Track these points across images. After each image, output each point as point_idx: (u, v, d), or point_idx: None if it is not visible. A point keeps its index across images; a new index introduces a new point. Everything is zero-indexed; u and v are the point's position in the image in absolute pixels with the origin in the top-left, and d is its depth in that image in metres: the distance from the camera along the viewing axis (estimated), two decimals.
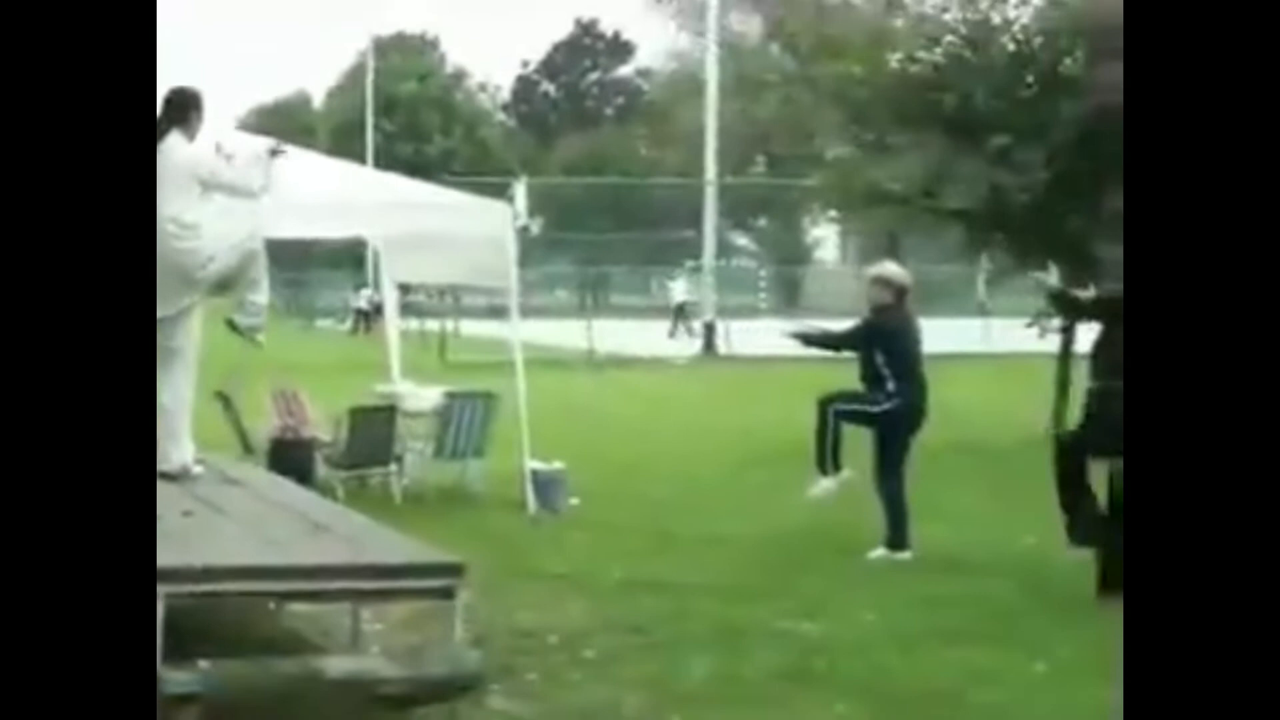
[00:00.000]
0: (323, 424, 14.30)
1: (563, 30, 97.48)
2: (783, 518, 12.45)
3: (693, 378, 32.73)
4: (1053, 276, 11.15)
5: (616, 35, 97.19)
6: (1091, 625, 8.91)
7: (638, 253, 74.52)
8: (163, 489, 6.37)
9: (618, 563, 10.88)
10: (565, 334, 36.74)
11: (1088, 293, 10.25)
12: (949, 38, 18.80)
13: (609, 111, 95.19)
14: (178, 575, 5.92)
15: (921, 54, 18.66)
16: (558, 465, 13.60)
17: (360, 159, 46.74)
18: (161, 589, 5.29)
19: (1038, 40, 18.43)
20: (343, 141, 61.27)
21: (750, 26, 74.77)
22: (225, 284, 9.27)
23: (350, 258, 57.49)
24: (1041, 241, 18.35)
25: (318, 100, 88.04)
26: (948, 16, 19.23)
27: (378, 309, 39.79)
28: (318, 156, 16.36)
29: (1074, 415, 17.85)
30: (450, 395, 14.44)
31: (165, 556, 4.77)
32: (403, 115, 76.43)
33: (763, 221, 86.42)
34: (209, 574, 6.40)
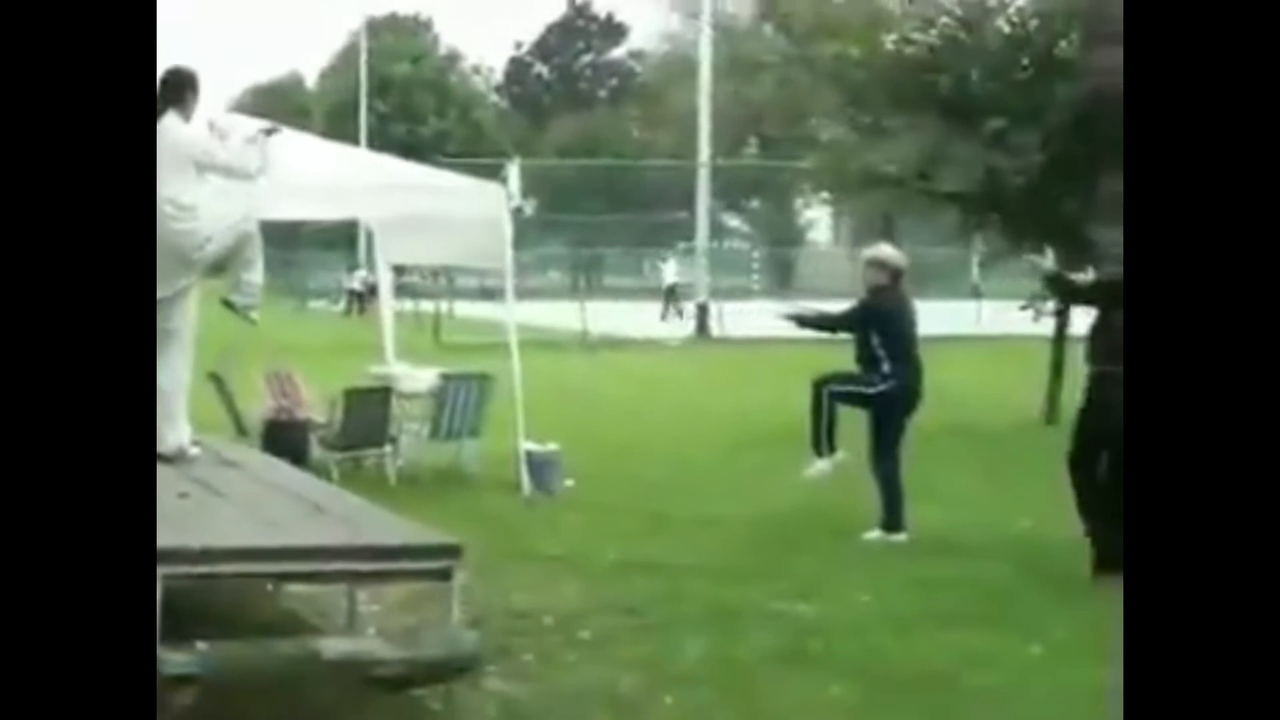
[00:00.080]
0: (317, 405, 14.29)
1: (556, 12, 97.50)
2: (777, 499, 12.46)
3: (686, 359, 32.74)
4: (1048, 260, 11.12)
5: (610, 17, 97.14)
6: (1087, 607, 8.93)
7: (631, 234, 74.52)
8: (159, 471, 6.36)
9: (612, 544, 10.88)
10: (558, 315, 36.73)
11: (1085, 276, 10.27)
12: (944, 19, 18.78)
13: (602, 93, 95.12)
14: (175, 557, 5.91)
15: (917, 36, 18.64)
16: (552, 447, 13.61)
17: (354, 140, 46.80)
18: (159, 570, 5.28)
19: (1033, 22, 18.42)
20: (336, 123, 61.27)
21: (743, 8, 74.59)
22: (221, 265, 9.28)
23: (343, 239, 57.51)
24: (1036, 224, 18.34)
25: (311, 81, 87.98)
26: None
27: (372, 290, 39.87)
28: (312, 138, 16.33)
29: (1068, 398, 17.94)
30: (445, 377, 14.44)
31: (163, 538, 4.76)
32: (396, 96, 76.35)
33: (755, 203, 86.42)
34: (207, 555, 6.39)
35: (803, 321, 11.84)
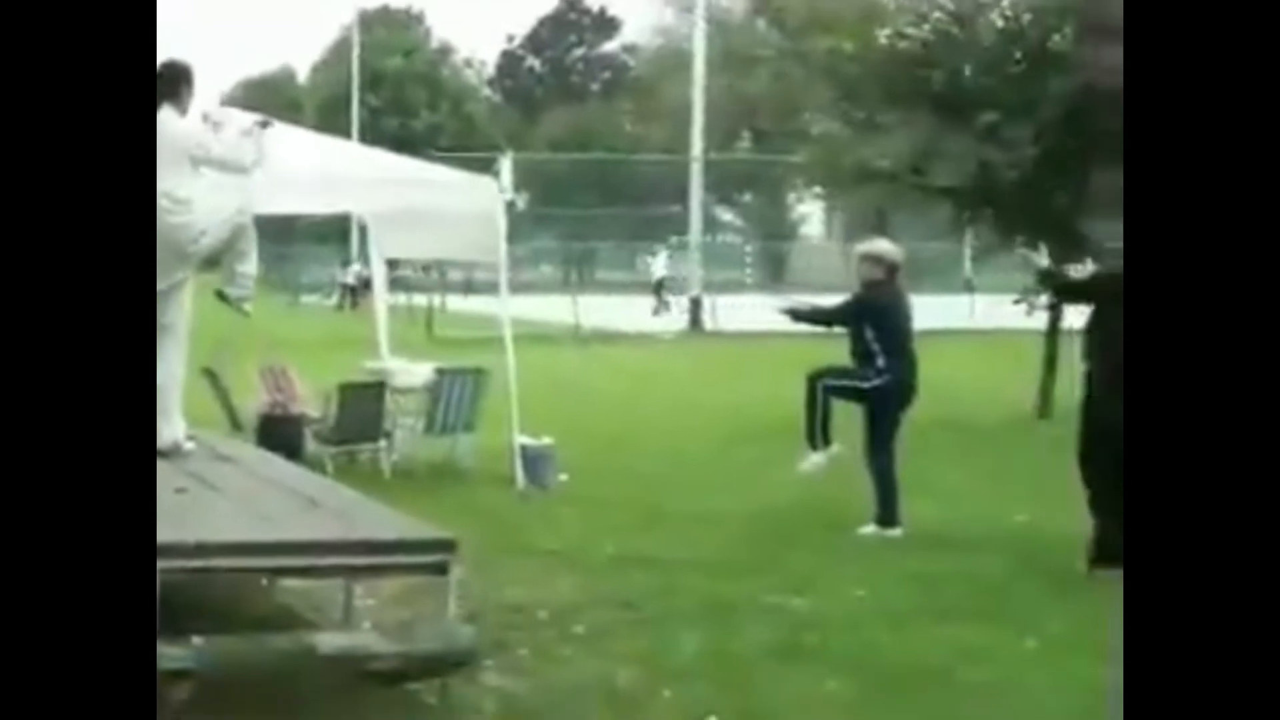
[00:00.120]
0: (311, 400, 14.29)
1: (548, 5, 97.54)
2: (772, 493, 12.46)
3: (679, 353, 32.73)
4: (1043, 257, 11.11)
5: (602, 10, 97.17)
6: (1082, 602, 8.95)
7: (623, 228, 74.46)
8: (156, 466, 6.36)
9: (607, 538, 10.88)
10: (551, 309, 36.72)
11: (1079, 271, 10.27)
12: (937, 14, 18.75)
13: (595, 87, 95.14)
14: (172, 551, 5.91)
15: (910, 30, 18.62)
16: (547, 441, 13.60)
17: (346, 134, 46.75)
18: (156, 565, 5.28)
19: (1026, 17, 18.37)
20: (328, 117, 61.25)
21: (736, 2, 74.80)
22: (215, 258, 9.29)
23: (335, 233, 57.47)
24: (1029, 218, 18.34)
25: (303, 75, 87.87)
26: None
27: (365, 284, 39.86)
28: (305, 132, 16.32)
29: (1062, 392, 17.95)
30: (440, 371, 14.43)
31: (159, 533, 4.75)
32: (388, 90, 76.25)
33: (748, 197, 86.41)
34: (203, 550, 6.39)
35: (797, 315, 11.82)
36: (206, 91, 9.21)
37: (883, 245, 11.62)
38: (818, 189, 38.91)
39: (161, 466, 7.87)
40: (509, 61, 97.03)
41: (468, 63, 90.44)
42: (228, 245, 9.15)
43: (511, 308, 14.17)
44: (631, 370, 27.10)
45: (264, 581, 8.19)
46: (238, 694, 6.24)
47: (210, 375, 13.72)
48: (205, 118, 9.39)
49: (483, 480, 13.50)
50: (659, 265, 54.69)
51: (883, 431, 11.15)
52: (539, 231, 75.02)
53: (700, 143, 46.35)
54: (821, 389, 11.11)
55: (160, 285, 8.15)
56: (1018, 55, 18.24)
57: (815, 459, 11.23)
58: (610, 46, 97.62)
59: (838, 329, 11.56)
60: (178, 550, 6.12)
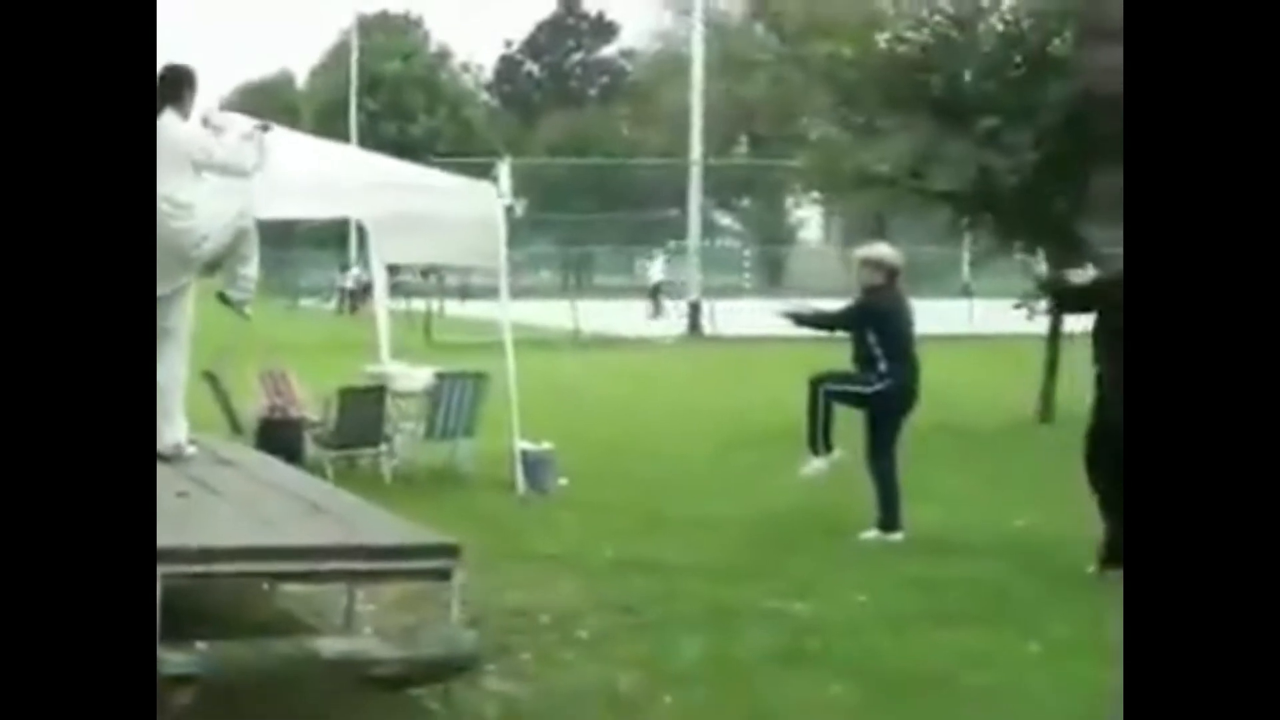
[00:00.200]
0: (311, 404, 14.28)
1: (546, 10, 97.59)
2: (773, 498, 12.45)
3: (679, 358, 32.73)
4: (1043, 264, 11.11)
5: (600, 15, 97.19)
6: (1083, 606, 8.94)
7: (621, 233, 74.52)
8: (157, 469, 6.35)
9: (608, 543, 10.87)
10: (549, 314, 36.72)
11: (1084, 274, 10.25)
12: (937, 18, 18.76)
13: (593, 92, 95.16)
14: (174, 556, 5.90)
15: (909, 34, 18.62)
16: (547, 445, 13.59)
17: (344, 139, 46.66)
18: (158, 570, 5.26)
19: (1026, 21, 18.40)
20: (326, 121, 61.23)
21: (734, 6, 74.85)
22: (217, 262, 9.28)
23: (334, 237, 57.51)
24: (1029, 223, 18.37)
25: (301, 80, 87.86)
26: None
27: (365, 289, 39.90)
28: (305, 137, 16.31)
29: (1062, 397, 17.96)
30: (440, 376, 14.42)
31: (161, 537, 4.73)
32: (387, 95, 76.24)
33: (746, 202, 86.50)
34: (206, 555, 6.38)
35: (799, 319, 11.82)
36: (205, 95, 9.19)
37: (883, 250, 11.61)
38: (816, 194, 38.92)
39: (163, 470, 7.87)
40: (507, 66, 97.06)
41: (466, 67, 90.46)
42: (229, 249, 9.14)
43: (511, 313, 14.17)
44: (631, 375, 27.09)
45: (265, 586, 8.18)
46: (241, 700, 6.22)
47: (211, 379, 13.71)
48: (206, 122, 9.38)
49: (483, 485, 13.49)
50: (656, 270, 54.77)
51: (884, 436, 11.14)
52: (537, 236, 75.06)
53: (699, 147, 46.39)
54: (823, 394, 11.10)
55: (163, 290, 8.15)
56: (1017, 60, 18.25)
57: (817, 464, 11.22)
58: (608, 51, 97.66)
59: (838, 333, 11.56)
60: (181, 555, 6.10)
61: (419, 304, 39.00)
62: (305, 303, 56.04)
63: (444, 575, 6.93)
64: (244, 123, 9.78)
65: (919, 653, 8.09)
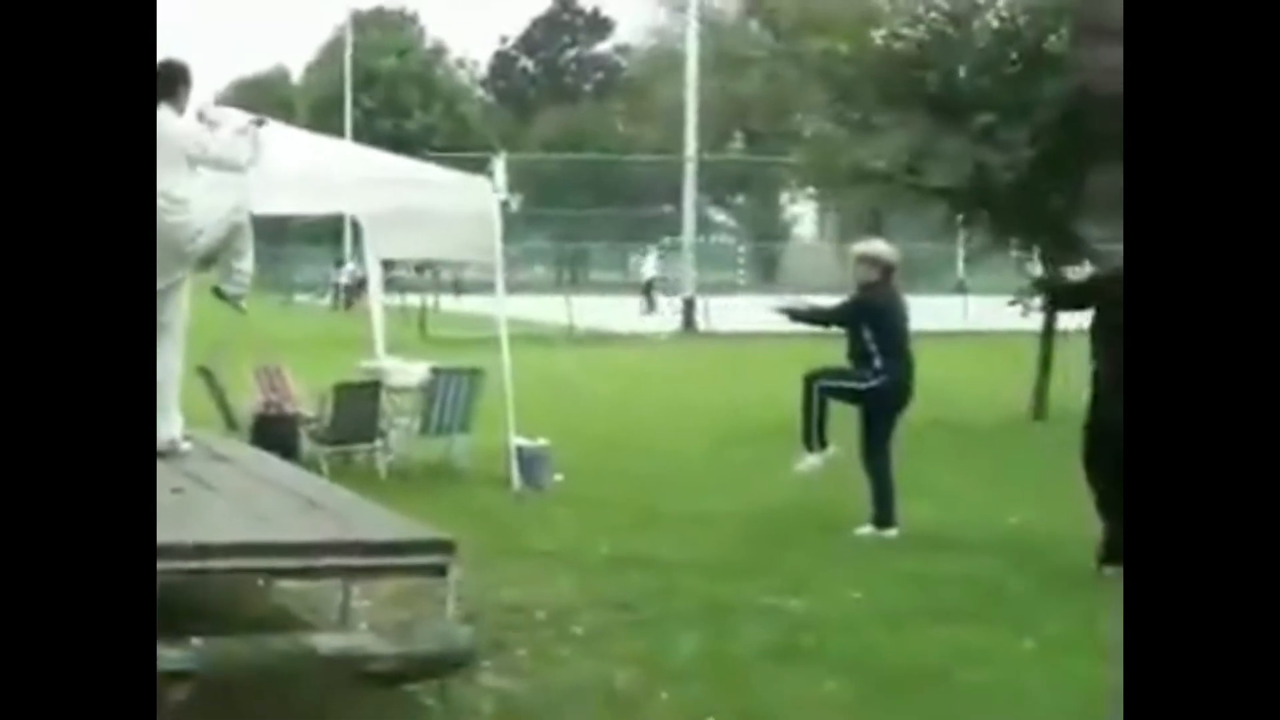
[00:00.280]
0: (306, 399, 14.27)
1: (541, 6, 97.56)
2: (768, 494, 12.46)
3: (673, 354, 32.73)
4: (1038, 265, 11.12)
5: (595, 11, 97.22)
6: (1078, 602, 8.96)
7: (616, 229, 74.56)
8: None
9: (603, 539, 10.87)
10: (544, 310, 36.72)
11: (1081, 272, 10.26)
12: (932, 15, 18.75)
13: (587, 87, 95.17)
14: (171, 552, 5.88)
15: (905, 31, 18.61)
16: (542, 442, 13.58)
17: (339, 134, 46.71)
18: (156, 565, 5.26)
19: (1022, 18, 18.39)
20: (321, 117, 61.18)
21: (729, 3, 74.88)
22: (212, 257, 9.27)
23: (329, 233, 57.43)
24: (1025, 220, 18.37)
25: (296, 75, 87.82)
26: None
27: (359, 284, 39.84)
28: (301, 132, 16.30)
29: (1056, 393, 17.97)
30: (436, 371, 14.41)
31: (158, 534, 4.74)
32: (382, 91, 76.23)
33: (741, 198, 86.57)
34: (202, 551, 6.38)
35: (795, 315, 11.83)
36: (200, 91, 9.18)
37: (879, 246, 11.61)
38: (810, 190, 38.99)
39: (158, 466, 7.87)
40: (502, 62, 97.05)
41: (461, 63, 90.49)
42: (225, 244, 9.14)
43: (506, 308, 14.16)
44: (626, 371, 27.09)
45: (260, 582, 8.16)
46: (237, 696, 6.22)
47: (206, 374, 13.70)
48: (201, 117, 9.38)
49: (478, 481, 13.49)
50: (649, 266, 54.78)
51: (879, 433, 11.14)
52: (532, 232, 75.09)
53: (693, 143, 46.38)
54: (818, 390, 11.10)
55: (158, 285, 8.14)
56: (1013, 56, 18.24)
57: (811, 460, 11.23)
58: (603, 47, 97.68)
59: (834, 329, 11.56)
60: (176, 551, 6.10)
61: (414, 299, 38.99)
62: (300, 298, 56.00)
63: (440, 571, 6.93)
64: (239, 118, 9.78)
65: (914, 649, 8.10)
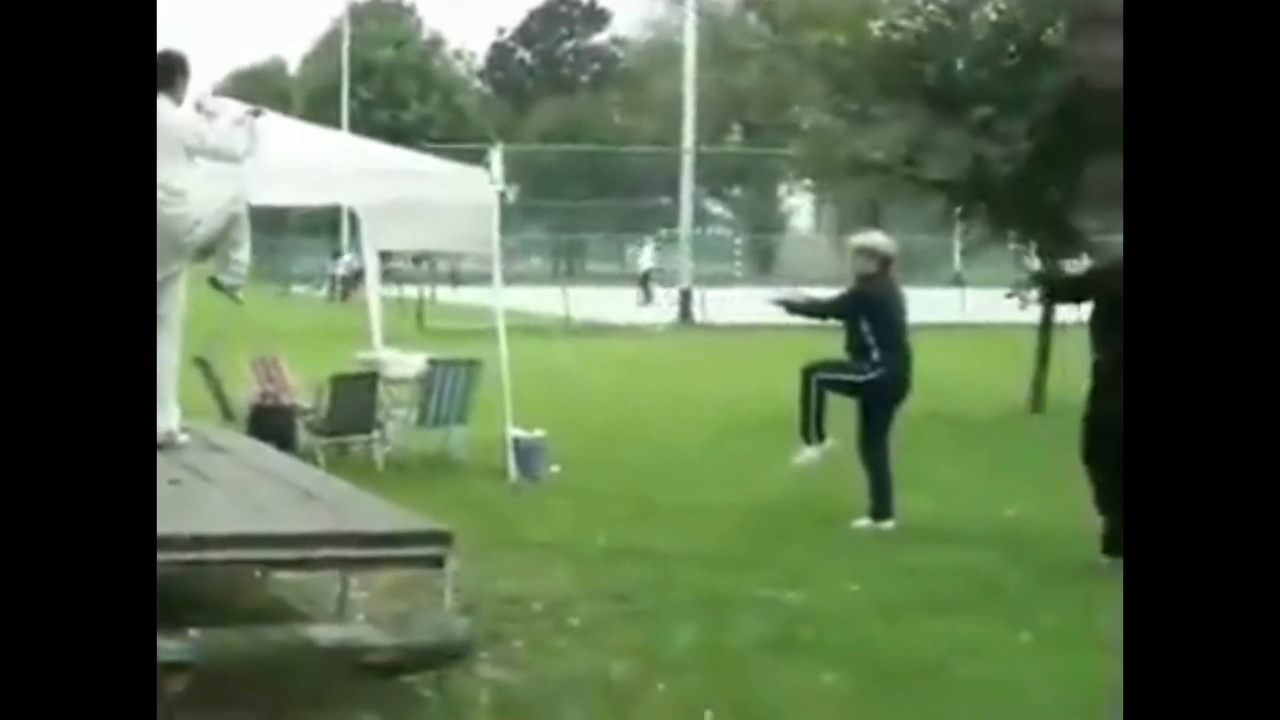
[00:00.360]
0: (302, 391, 14.26)
1: None
2: (766, 486, 12.45)
3: (670, 345, 32.72)
4: (1035, 260, 11.11)
5: (592, 3, 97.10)
6: (1075, 595, 8.96)
7: (613, 220, 74.54)
8: None
9: (600, 530, 10.87)
10: (540, 301, 36.70)
11: (1080, 265, 10.26)
12: (930, 6, 18.75)
13: (584, 79, 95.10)
14: (168, 544, 5.87)
15: (903, 23, 18.61)
16: (539, 433, 13.57)
17: (336, 126, 46.64)
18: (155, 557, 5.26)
19: (1020, 10, 18.39)
20: (318, 108, 60.99)
21: None
22: (210, 248, 9.26)
23: (326, 224, 57.42)
24: (1022, 212, 18.36)
25: (293, 67, 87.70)
26: None
27: (356, 276, 39.83)
28: (298, 123, 16.26)
29: (1054, 386, 17.98)
30: (433, 362, 14.40)
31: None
32: (379, 82, 76.07)
33: (738, 190, 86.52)
34: (199, 542, 6.37)
35: (792, 307, 11.82)
36: (197, 82, 9.16)
37: (876, 238, 11.59)
38: (808, 182, 38.96)
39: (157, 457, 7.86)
40: (499, 53, 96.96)
41: (458, 54, 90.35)
42: (222, 234, 9.12)
43: (503, 299, 14.14)
44: (622, 362, 27.06)
45: (257, 574, 8.16)
46: (235, 687, 6.22)
47: (203, 365, 13.68)
48: (198, 107, 9.37)
49: (475, 472, 13.48)
50: (645, 257, 54.76)
51: (877, 425, 11.13)
52: (529, 223, 75.07)
53: (691, 135, 46.37)
54: (816, 382, 11.09)
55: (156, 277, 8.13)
56: (1011, 49, 18.25)
57: (809, 453, 11.22)
58: (600, 39, 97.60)
59: (831, 321, 11.55)
60: (174, 543, 6.09)
61: (411, 291, 38.96)
62: (297, 289, 55.95)
63: (437, 562, 6.93)
64: (236, 108, 9.76)
65: (911, 642, 8.10)
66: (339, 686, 6.65)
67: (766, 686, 7.28)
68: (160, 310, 8.57)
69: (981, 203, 19.05)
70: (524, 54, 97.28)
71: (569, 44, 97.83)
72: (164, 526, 5.86)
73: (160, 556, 5.65)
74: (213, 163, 9.07)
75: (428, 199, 13.36)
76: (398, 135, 46.78)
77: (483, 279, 22.86)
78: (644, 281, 51.79)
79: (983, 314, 32.40)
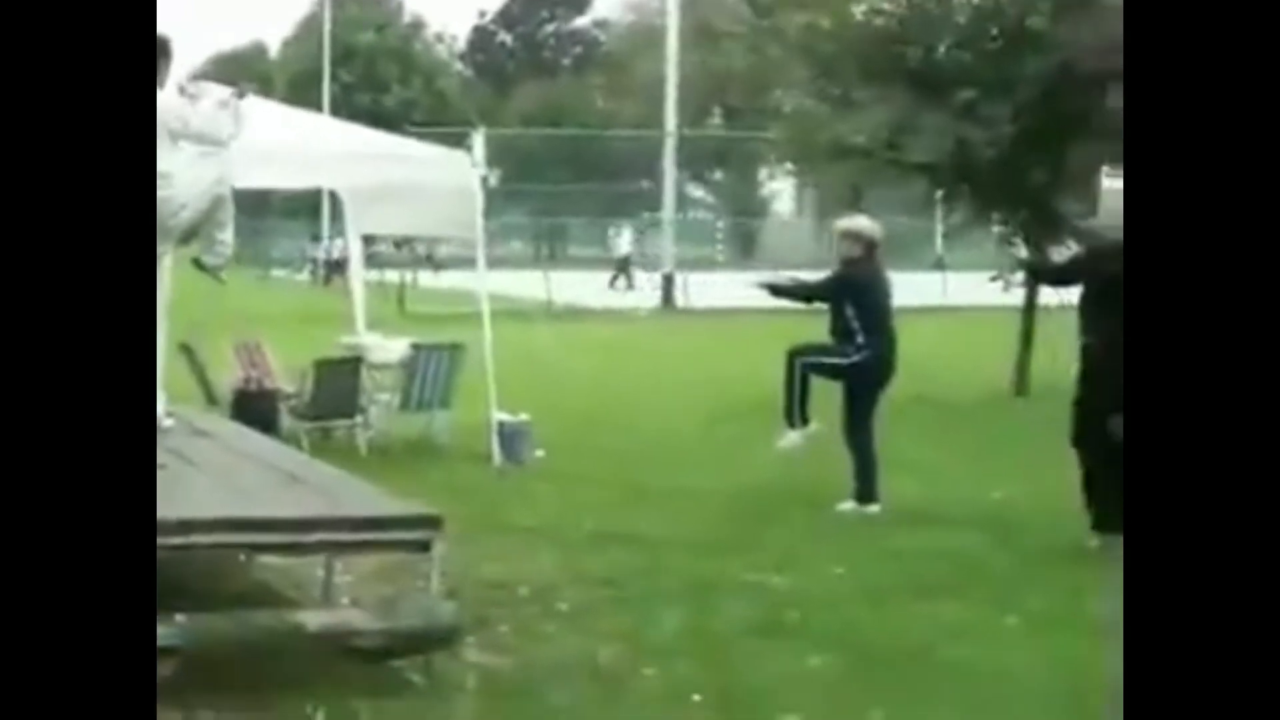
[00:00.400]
0: (285, 375, 14.24)
1: None
2: (751, 471, 12.45)
3: (652, 329, 32.73)
4: (1022, 249, 11.11)
5: None
6: (1061, 578, 8.98)
7: (595, 204, 74.46)
8: None
9: (586, 515, 10.87)
10: (522, 285, 36.65)
11: (1067, 251, 10.27)
12: None
13: (566, 62, 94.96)
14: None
15: (886, 6, 18.60)
16: (523, 417, 13.56)
17: (317, 109, 46.50)
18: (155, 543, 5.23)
19: None
20: (300, 92, 60.82)
21: None
22: (194, 231, 9.24)
23: (306, 207, 57.34)
24: (1006, 196, 18.36)
25: (274, 50, 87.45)
26: None
27: (339, 263, 39.75)
28: (281, 106, 16.22)
29: (1038, 369, 18.01)
30: (416, 347, 14.39)
31: None
32: (360, 65, 75.93)
33: (719, 174, 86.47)
34: (186, 527, 6.35)
35: (777, 290, 11.82)
36: (176, 66, 9.11)
37: (862, 222, 11.58)
38: (789, 166, 38.91)
39: None
40: (480, 36, 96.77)
41: (439, 38, 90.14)
42: (207, 216, 9.10)
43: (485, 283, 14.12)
44: (605, 346, 27.04)
45: (242, 558, 8.15)
46: (223, 672, 6.21)
47: (187, 350, 13.65)
48: (182, 91, 9.33)
49: (459, 456, 13.46)
50: (623, 242, 54.69)
51: (862, 409, 11.13)
52: (510, 207, 74.96)
53: (673, 119, 46.32)
54: (800, 366, 11.09)
55: None
56: (994, 33, 18.23)
57: (793, 437, 11.22)
58: (582, 22, 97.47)
59: (816, 305, 11.55)
60: (162, 527, 6.05)
61: (392, 275, 38.90)
62: (277, 273, 55.89)
63: (424, 547, 6.93)
64: (219, 91, 9.72)
65: (897, 625, 8.13)
66: (326, 671, 6.65)
67: (753, 670, 7.29)
68: None
69: (964, 186, 19.03)
70: (505, 37, 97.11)
71: (550, 27, 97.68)
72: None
73: None
74: (197, 146, 9.03)
75: (411, 183, 13.34)
76: (379, 119, 46.64)
77: (463, 263, 22.82)
78: (622, 266, 51.67)
79: (964, 297, 32.45)
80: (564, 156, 76.95)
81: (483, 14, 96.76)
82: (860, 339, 10.95)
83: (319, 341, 15.46)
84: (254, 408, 13.21)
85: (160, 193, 8.35)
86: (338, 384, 13.61)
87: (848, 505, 11.06)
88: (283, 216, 62.48)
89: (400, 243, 41.81)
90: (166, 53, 8.79)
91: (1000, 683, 7.16)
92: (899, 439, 12.35)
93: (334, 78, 66.02)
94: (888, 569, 9.36)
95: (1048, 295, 17.09)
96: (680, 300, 41.74)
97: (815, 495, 11.39)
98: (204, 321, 14.29)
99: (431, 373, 13.97)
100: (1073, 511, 9.93)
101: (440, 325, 19.94)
